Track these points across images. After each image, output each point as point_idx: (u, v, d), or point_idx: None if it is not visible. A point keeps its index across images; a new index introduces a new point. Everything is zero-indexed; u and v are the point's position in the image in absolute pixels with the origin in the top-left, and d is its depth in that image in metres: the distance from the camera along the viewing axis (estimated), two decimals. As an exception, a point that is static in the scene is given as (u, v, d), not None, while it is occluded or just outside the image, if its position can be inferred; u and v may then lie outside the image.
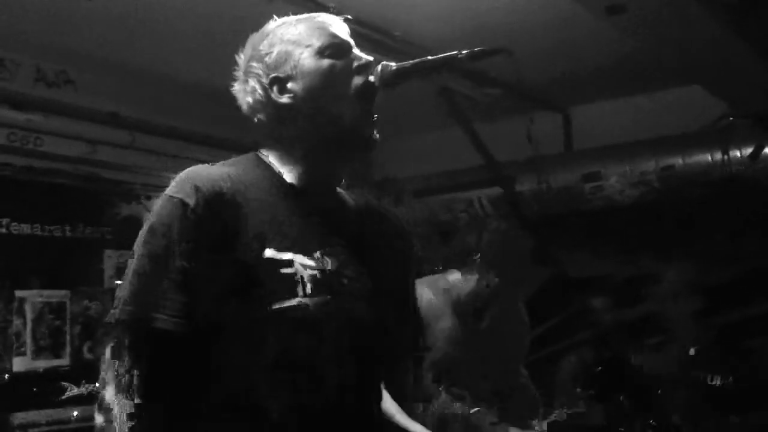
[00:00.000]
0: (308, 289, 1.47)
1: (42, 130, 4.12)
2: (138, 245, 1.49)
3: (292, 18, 1.65)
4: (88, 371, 4.29)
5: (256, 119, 1.63)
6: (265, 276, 1.45)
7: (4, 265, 4.13)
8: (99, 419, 1.45)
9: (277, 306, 1.44)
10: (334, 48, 1.59)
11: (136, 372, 1.43)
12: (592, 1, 3.23)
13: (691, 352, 3.70)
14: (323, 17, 1.64)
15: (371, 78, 1.58)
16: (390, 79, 1.57)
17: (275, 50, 1.60)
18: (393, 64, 1.57)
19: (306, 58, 1.57)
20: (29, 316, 4.21)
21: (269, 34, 1.63)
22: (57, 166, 4.31)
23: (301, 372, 1.47)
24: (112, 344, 1.45)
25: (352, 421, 1.54)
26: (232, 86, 1.67)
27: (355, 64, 1.59)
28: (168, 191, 1.50)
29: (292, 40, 1.59)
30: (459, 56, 1.50)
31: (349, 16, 1.66)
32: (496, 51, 1.53)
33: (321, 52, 1.58)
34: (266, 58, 1.60)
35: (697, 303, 3.91)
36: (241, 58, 1.66)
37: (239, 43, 1.69)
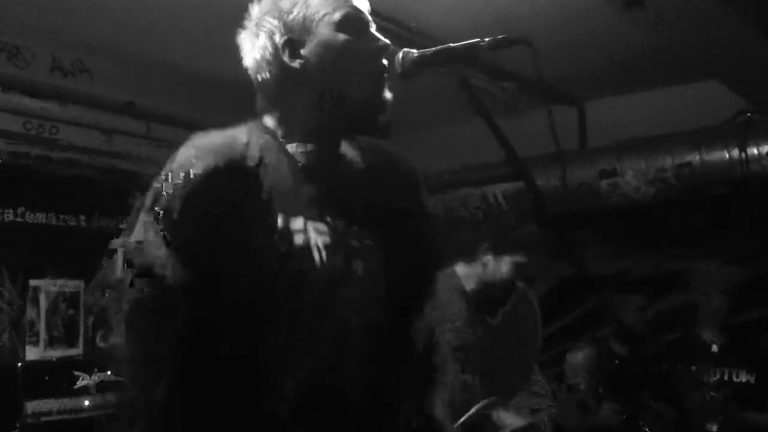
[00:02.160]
0: (323, 255, 1.47)
1: (58, 119, 4.13)
2: (146, 208, 1.47)
3: None
4: (100, 361, 4.30)
5: (259, 77, 1.58)
6: (279, 243, 1.44)
7: (19, 254, 4.15)
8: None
9: (291, 272, 1.44)
10: (353, 23, 1.55)
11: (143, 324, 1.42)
12: (611, -5, 3.22)
13: (714, 348, 3.67)
14: None
15: (385, 61, 1.56)
16: (411, 67, 1.54)
17: (296, 11, 1.55)
18: (414, 51, 1.55)
19: (324, 27, 1.54)
20: (43, 305, 4.22)
21: None
22: (72, 155, 4.32)
23: (314, 336, 1.46)
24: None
25: (367, 391, 1.51)
26: (239, 34, 1.61)
27: (372, 45, 1.56)
28: (181, 157, 1.47)
29: (314, 5, 1.55)
30: (481, 44, 1.48)
31: None
32: (517, 40, 1.51)
33: (339, 25, 1.54)
34: (285, 17, 1.55)
35: (725, 299, 3.87)
36: (255, 9, 1.60)
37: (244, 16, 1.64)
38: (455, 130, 4.98)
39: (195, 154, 1.46)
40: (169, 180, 1.45)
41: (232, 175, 1.45)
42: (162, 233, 1.43)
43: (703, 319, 3.88)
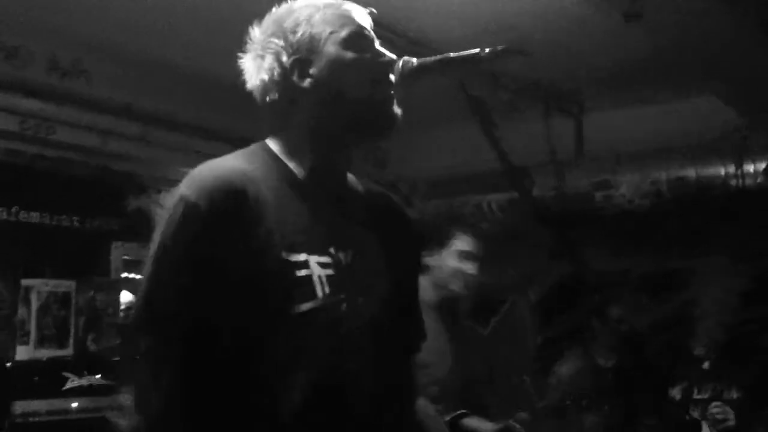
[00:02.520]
0: (326, 290, 1.45)
1: (54, 119, 4.11)
2: (152, 249, 1.46)
3: (318, 1, 1.59)
4: (91, 362, 4.29)
5: (267, 98, 1.56)
6: (281, 279, 1.43)
7: (11, 254, 4.13)
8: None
9: (295, 310, 1.42)
10: (359, 40, 1.56)
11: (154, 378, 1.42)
12: (610, 8, 3.23)
13: (705, 365, 3.67)
14: (349, 6, 1.60)
15: (392, 77, 1.55)
16: (410, 75, 1.55)
17: (300, 30, 1.54)
18: (414, 60, 1.55)
19: (331, 46, 1.54)
20: (34, 305, 4.20)
21: (295, 12, 1.57)
22: (68, 155, 4.31)
23: (320, 373, 1.44)
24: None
25: (372, 421, 1.51)
26: (241, 58, 1.60)
27: (379, 61, 1.56)
28: (180, 191, 1.46)
29: (319, 24, 1.55)
30: (481, 54, 1.49)
31: (374, 10, 1.63)
32: (516, 51, 1.51)
33: (345, 43, 1.54)
34: (290, 37, 1.54)
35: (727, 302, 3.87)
36: (257, 32, 1.59)
37: (246, 40, 1.63)
38: (453, 134, 4.98)
39: (194, 192, 1.44)
40: (168, 219, 1.45)
41: (230, 213, 1.42)
42: (166, 272, 1.43)
43: (698, 329, 3.87)
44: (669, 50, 3.74)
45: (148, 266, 1.45)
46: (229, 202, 1.42)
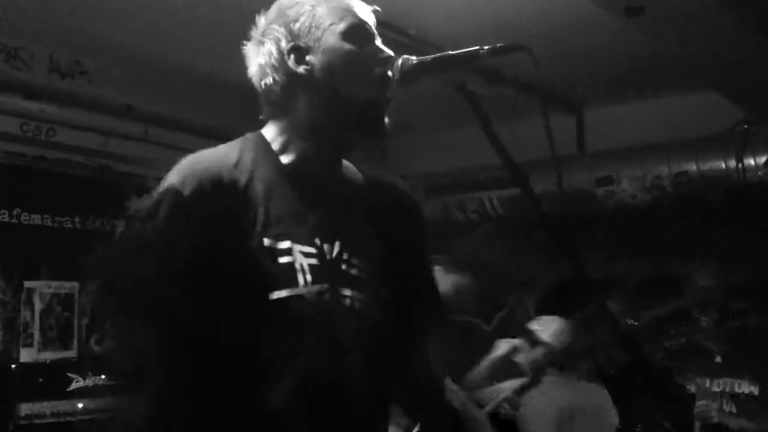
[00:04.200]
0: (308, 278, 1.46)
1: (55, 121, 4.12)
2: (131, 235, 1.51)
3: None
4: (94, 363, 4.29)
5: (262, 84, 1.58)
6: (263, 266, 1.44)
7: (14, 255, 4.14)
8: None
9: (275, 297, 1.43)
10: (358, 33, 1.57)
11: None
12: (611, 2, 3.21)
13: (717, 359, 3.65)
14: (354, 1, 1.61)
15: (389, 72, 1.56)
16: (410, 73, 1.55)
17: (302, 19, 1.56)
18: (413, 58, 1.56)
19: (330, 36, 1.55)
20: (37, 306, 4.21)
21: (299, 2, 1.59)
22: (69, 157, 4.32)
23: (300, 363, 1.45)
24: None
25: (352, 412, 1.52)
26: (245, 45, 1.63)
27: (375, 56, 1.57)
28: (167, 180, 1.48)
29: (320, 15, 1.56)
30: (480, 52, 1.49)
31: (378, 8, 1.64)
32: (516, 47, 1.51)
33: (345, 35, 1.55)
34: (292, 25, 1.56)
35: (724, 307, 3.85)
36: (262, 20, 1.62)
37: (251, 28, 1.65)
38: (453, 134, 4.98)
39: (180, 179, 1.46)
40: (154, 207, 1.46)
41: (216, 201, 1.44)
42: (147, 255, 1.45)
43: (704, 326, 3.84)
44: (671, 46, 3.73)
45: (128, 250, 1.49)
46: (213, 190, 1.45)
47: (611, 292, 4.45)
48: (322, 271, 1.49)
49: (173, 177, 1.47)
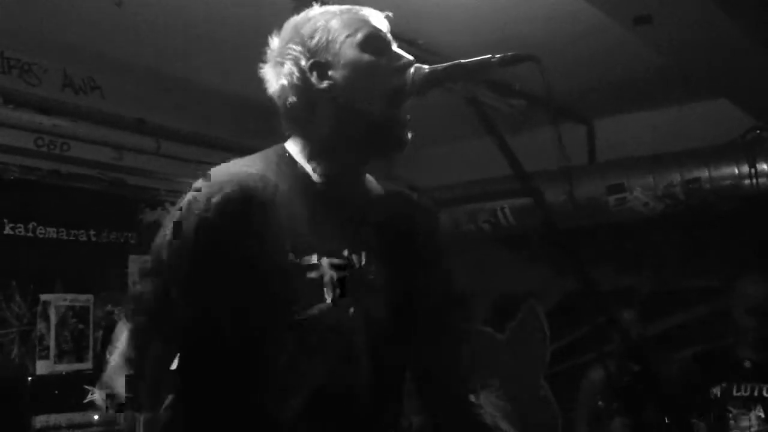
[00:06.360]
0: (336, 291, 1.46)
1: (69, 136, 4.15)
2: (157, 247, 1.48)
3: (335, 7, 1.62)
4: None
5: (286, 103, 1.58)
6: (288, 282, 1.44)
7: (30, 269, 4.15)
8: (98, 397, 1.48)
9: (303, 312, 1.43)
10: (375, 42, 1.57)
11: (149, 379, 1.44)
12: (619, 12, 3.22)
13: (747, 364, 3.61)
14: (366, 10, 1.62)
15: (408, 84, 1.57)
16: (422, 83, 1.56)
17: (317, 35, 1.56)
18: (426, 67, 1.57)
19: (348, 48, 1.55)
20: (53, 319, 4.23)
21: (312, 18, 1.60)
22: (83, 171, 4.34)
23: (325, 377, 1.45)
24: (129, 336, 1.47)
25: (371, 425, 1.52)
26: (262, 68, 1.63)
27: (395, 63, 1.58)
28: (194, 191, 1.48)
29: (336, 28, 1.57)
30: (491, 61, 1.50)
31: (390, 14, 1.65)
32: (526, 57, 1.52)
33: (362, 46, 1.56)
34: (308, 42, 1.57)
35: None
36: (276, 41, 1.62)
37: (266, 50, 1.66)
38: (465, 145, 4.99)
39: (207, 191, 1.46)
40: (180, 217, 1.46)
41: (241, 213, 1.44)
42: (171, 269, 1.44)
43: (738, 335, 3.76)
44: (680, 55, 3.73)
45: (152, 264, 1.47)
46: (240, 204, 1.44)
47: (624, 302, 4.44)
48: (351, 282, 1.49)
49: (201, 188, 1.47)
